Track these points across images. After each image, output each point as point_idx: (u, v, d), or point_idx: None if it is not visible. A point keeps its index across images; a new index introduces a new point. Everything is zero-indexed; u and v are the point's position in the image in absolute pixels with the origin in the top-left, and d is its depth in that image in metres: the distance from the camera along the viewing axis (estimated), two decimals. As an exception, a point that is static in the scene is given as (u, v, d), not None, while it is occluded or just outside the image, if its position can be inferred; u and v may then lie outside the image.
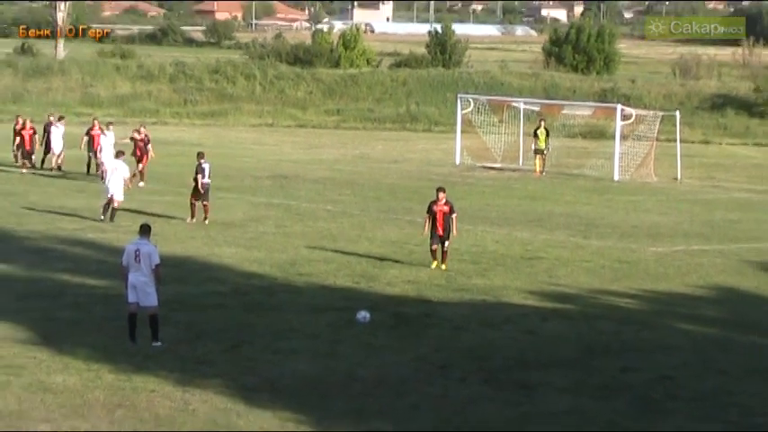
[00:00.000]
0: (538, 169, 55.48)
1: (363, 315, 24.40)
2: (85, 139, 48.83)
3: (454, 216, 30.80)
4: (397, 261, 31.52)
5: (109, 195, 37.55)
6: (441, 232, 30.48)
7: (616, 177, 54.32)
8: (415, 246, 33.53)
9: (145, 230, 22.70)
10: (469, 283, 29.00)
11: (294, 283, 28.40)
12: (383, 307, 25.87)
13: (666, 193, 50.44)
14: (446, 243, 30.54)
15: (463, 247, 33.24)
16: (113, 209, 37.40)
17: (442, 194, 30.90)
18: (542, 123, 56.44)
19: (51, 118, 51.37)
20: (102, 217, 37.02)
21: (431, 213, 30.74)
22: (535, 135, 55.81)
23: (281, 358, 21.57)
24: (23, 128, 49.83)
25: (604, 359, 22.33)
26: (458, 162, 58.31)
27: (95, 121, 50.65)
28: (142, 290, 22.13)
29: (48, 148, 50.13)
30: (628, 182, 53.58)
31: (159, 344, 22.08)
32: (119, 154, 39.99)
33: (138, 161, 46.25)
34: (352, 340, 23.04)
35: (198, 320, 24.21)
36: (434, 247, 30.59)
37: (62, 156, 50.10)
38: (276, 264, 30.71)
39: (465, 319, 25.22)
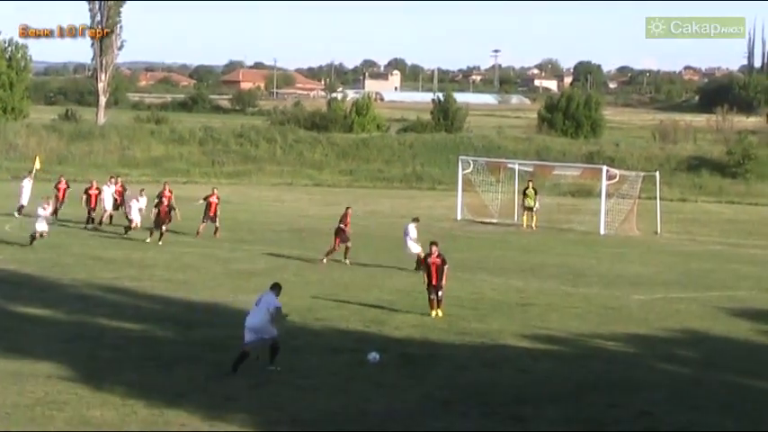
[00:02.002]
0: (526, 224, 55.60)
1: (374, 355, 24.45)
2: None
3: (446, 267, 30.74)
4: (404, 307, 31.56)
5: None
6: (435, 282, 30.50)
7: (602, 231, 54.40)
8: (420, 294, 33.54)
9: (274, 287, 23.73)
10: (469, 327, 29.02)
11: (312, 327, 28.45)
12: (392, 348, 25.90)
13: (647, 245, 50.46)
14: (440, 292, 30.47)
15: (463, 294, 33.30)
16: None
17: (434, 248, 30.94)
18: (530, 184, 56.63)
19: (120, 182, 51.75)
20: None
21: (426, 266, 30.80)
22: (524, 194, 56.10)
23: (300, 394, 21.61)
24: (90, 187, 50.19)
25: (591, 395, 22.33)
26: (459, 217, 58.43)
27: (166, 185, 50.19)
28: (261, 328, 22.86)
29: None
30: (612, 235, 53.64)
31: (274, 368, 22.89)
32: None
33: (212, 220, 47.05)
34: (365, 378, 23.07)
35: (225, 360, 24.20)
36: (432, 297, 30.53)
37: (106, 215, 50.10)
38: (295, 309, 30.66)
39: (466, 360, 25.25)
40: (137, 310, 30.11)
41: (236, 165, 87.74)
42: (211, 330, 27.42)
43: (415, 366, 24.40)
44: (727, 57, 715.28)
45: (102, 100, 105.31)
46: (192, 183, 78.23)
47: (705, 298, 35.43)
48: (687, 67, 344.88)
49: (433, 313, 30.29)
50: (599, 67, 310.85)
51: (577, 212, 58.51)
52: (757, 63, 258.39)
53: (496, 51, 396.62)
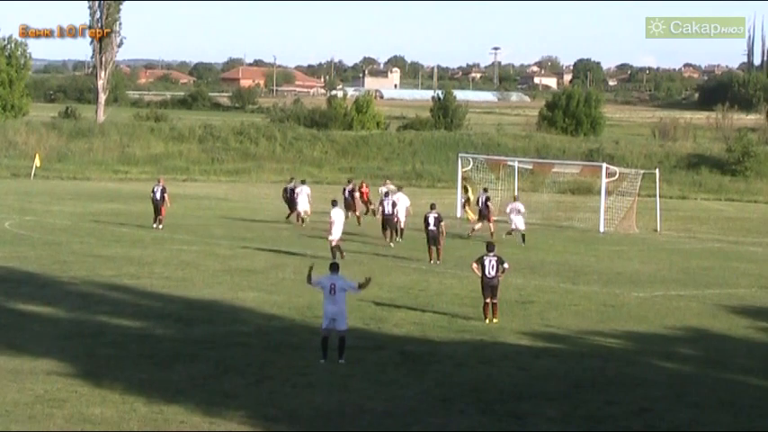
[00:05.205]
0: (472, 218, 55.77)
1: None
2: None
3: (504, 266, 29.68)
4: (403, 304, 31.57)
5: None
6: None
7: (602, 229, 54.38)
8: (419, 291, 33.61)
9: (334, 268, 24.98)
10: (469, 325, 29.02)
11: (311, 325, 28.39)
12: (391, 346, 25.91)
13: (647, 243, 50.46)
14: (494, 299, 29.46)
15: (463, 292, 33.30)
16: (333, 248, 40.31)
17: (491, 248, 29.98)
18: (464, 183, 58.38)
19: (294, 182, 54.40)
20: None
21: (481, 266, 29.61)
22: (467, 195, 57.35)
23: (299, 392, 21.63)
24: (354, 189, 53.59)
25: (590, 393, 22.34)
26: (459, 215, 58.40)
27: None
28: (336, 317, 24.04)
29: (292, 207, 52.49)
30: (612, 233, 53.63)
31: (343, 361, 23.84)
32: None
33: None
34: (363, 376, 23.09)
35: (224, 357, 24.28)
36: (487, 300, 29.51)
37: (306, 212, 51.65)
38: (294, 307, 30.78)
39: (465, 357, 25.26)
40: (136, 307, 30.12)
41: (235, 162, 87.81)
42: (211, 328, 27.44)
43: (414, 364, 24.41)
44: (726, 54, 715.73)
45: (102, 97, 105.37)
46: (191, 180, 78.35)
47: (704, 295, 35.43)
48: (687, 65, 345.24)
49: (487, 320, 29.32)
50: (599, 64, 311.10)
51: (577, 210, 58.54)
52: (757, 61, 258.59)
53: (496, 49, 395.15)
